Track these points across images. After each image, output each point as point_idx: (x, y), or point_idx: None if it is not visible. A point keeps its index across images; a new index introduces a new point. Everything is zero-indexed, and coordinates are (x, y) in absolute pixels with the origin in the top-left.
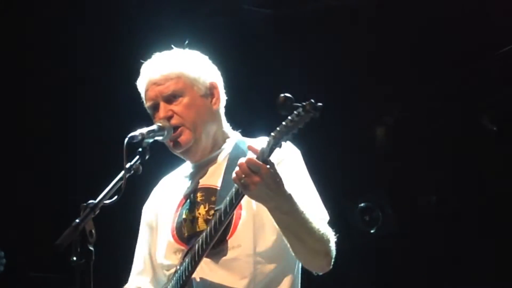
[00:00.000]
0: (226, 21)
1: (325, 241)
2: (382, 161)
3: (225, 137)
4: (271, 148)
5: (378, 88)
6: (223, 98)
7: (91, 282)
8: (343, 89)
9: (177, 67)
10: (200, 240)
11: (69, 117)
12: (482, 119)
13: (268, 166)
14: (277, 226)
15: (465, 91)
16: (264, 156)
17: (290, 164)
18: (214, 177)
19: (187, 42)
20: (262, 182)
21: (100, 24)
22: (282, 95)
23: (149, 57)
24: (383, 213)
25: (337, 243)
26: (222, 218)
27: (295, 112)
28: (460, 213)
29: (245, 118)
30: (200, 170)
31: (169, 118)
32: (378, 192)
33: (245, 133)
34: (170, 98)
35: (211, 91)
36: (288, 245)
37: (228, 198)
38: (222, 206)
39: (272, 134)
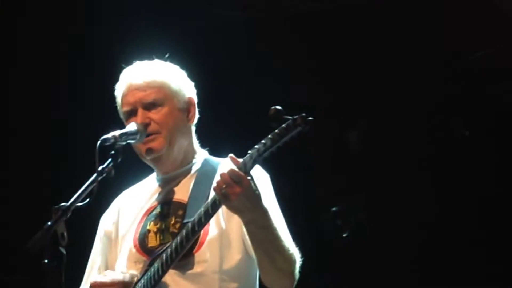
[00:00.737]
0: (200, 26)
1: (292, 262)
2: (355, 165)
3: (194, 153)
4: (254, 161)
5: (353, 92)
6: (196, 115)
7: (62, 285)
8: (318, 92)
9: (160, 77)
10: (169, 250)
11: (41, 118)
12: (454, 124)
13: (249, 178)
14: (244, 245)
15: (438, 96)
16: (246, 168)
17: (264, 184)
18: (181, 192)
19: (167, 55)
20: (243, 193)
21: (75, 28)
22: (273, 107)
23: (120, 62)
24: (356, 217)
25: (309, 247)
26: (196, 229)
27: (283, 125)
28: (434, 216)
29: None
30: (167, 183)
31: (146, 125)
32: (351, 196)
33: (214, 143)
34: (150, 106)
35: (188, 106)
36: (255, 263)
37: (203, 209)
38: (195, 218)
39: (256, 146)
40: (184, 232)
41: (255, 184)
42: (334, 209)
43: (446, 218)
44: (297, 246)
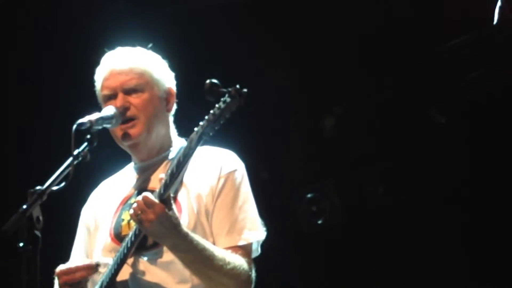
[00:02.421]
0: (175, 11)
1: (233, 275)
2: (330, 152)
3: (170, 142)
4: (168, 184)
5: (328, 79)
6: (174, 105)
7: (37, 268)
8: (293, 79)
9: (143, 63)
10: (130, 234)
11: (17, 104)
12: (430, 111)
13: (163, 205)
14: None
15: (414, 83)
16: (162, 192)
17: (233, 182)
18: (156, 180)
19: (151, 45)
20: (156, 220)
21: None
22: (208, 81)
23: (99, 48)
24: (330, 204)
25: (284, 233)
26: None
27: (222, 99)
28: (406, 204)
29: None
30: (143, 172)
31: (125, 109)
32: (325, 183)
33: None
34: (130, 91)
35: (167, 95)
36: None
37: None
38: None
39: (200, 123)
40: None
41: (172, 210)
42: (309, 195)
43: (418, 205)
44: (270, 232)
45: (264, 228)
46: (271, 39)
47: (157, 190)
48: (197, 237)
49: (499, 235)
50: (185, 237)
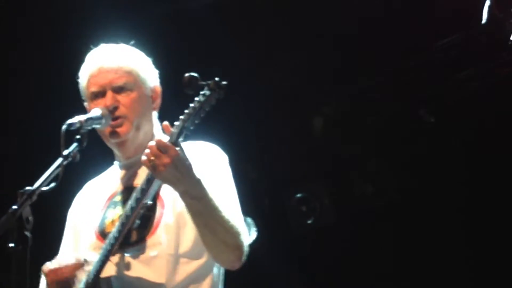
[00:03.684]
0: (166, 10)
1: (234, 233)
2: (320, 152)
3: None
4: (179, 131)
5: (318, 78)
6: (160, 103)
7: (27, 269)
8: (283, 77)
9: (131, 62)
10: (114, 230)
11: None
12: (420, 111)
13: (177, 148)
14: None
15: (403, 82)
16: (173, 138)
17: (216, 163)
18: (141, 177)
19: (133, 42)
20: (171, 163)
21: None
22: (187, 74)
23: (83, 45)
24: (320, 204)
25: (274, 234)
26: (134, 205)
27: (201, 92)
28: (396, 203)
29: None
30: (128, 169)
31: (114, 108)
32: (315, 183)
33: None
34: (119, 90)
35: (153, 94)
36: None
37: (139, 187)
38: (132, 196)
39: (181, 117)
40: (125, 211)
41: (184, 155)
42: (299, 195)
43: (407, 205)
44: (260, 231)
45: (255, 228)
46: (260, 36)
47: (169, 135)
48: (206, 187)
49: (494, 234)
50: (197, 182)
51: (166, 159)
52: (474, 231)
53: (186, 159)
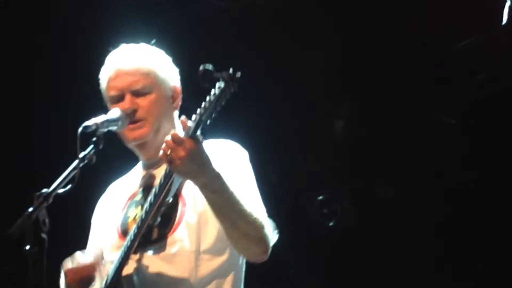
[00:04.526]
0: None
1: (257, 226)
2: (341, 154)
3: None
4: (196, 124)
5: (338, 82)
6: (180, 102)
7: (43, 271)
8: (304, 82)
9: (149, 63)
10: (134, 227)
11: (23, 103)
12: (439, 113)
13: (193, 141)
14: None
15: (424, 83)
16: (190, 132)
17: (237, 159)
18: (160, 176)
19: (154, 41)
20: (187, 156)
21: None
22: (201, 66)
23: (105, 45)
24: (341, 206)
25: (295, 236)
26: (152, 201)
27: (216, 85)
28: (416, 205)
29: None
30: (149, 168)
31: (133, 111)
32: (336, 185)
33: None
34: (138, 92)
35: (173, 93)
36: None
37: (157, 183)
38: (152, 191)
39: (197, 111)
40: (144, 208)
41: (201, 148)
42: (320, 197)
43: (427, 207)
44: (281, 234)
45: (276, 231)
46: (285, 37)
47: (185, 129)
48: (225, 180)
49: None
50: (216, 176)
51: (182, 152)
52: (499, 234)
53: (203, 152)
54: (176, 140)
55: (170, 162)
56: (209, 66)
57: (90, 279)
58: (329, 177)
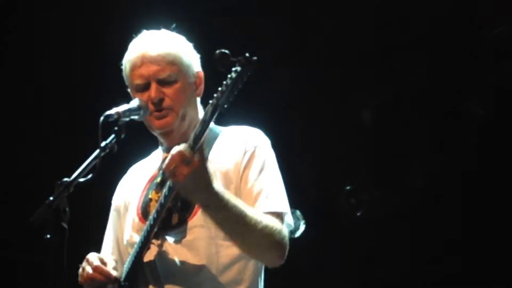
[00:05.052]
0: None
1: (268, 234)
2: (369, 144)
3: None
4: (212, 112)
5: (366, 71)
6: (203, 88)
7: (64, 259)
8: (331, 72)
9: (174, 50)
10: (150, 215)
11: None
12: (469, 103)
13: (198, 161)
14: None
15: (453, 74)
16: (194, 146)
17: (258, 156)
18: None
19: (174, 25)
20: (190, 174)
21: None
22: (218, 51)
23: (128, 32)
24: (369, 196)
25: (322, 226)
26: (172, 185)
27: (232, 69)
28: (444, 197)
29: None
30: (169, 152)
31: (160, 100)
32: (364, 175)
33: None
34: (164, 81)
35: (197, 79)
36: None
37: (167, 185)
38: (163, 192)
39: (215, 95)
40: (163, 192)
41: (205, 167)
42: (348, 188)
43: (455, 198)
44: (308, 224)
45: (303, 221)
46: (308, 25)
47: (188, 141)
48: (228, 194)
49: None
50: (216, 194)
51: (185, 170)
52: None
53: (206, 172)
54: (184, 158)
55: (173, 175)
56: (225, 50)
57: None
58: (357, 167)
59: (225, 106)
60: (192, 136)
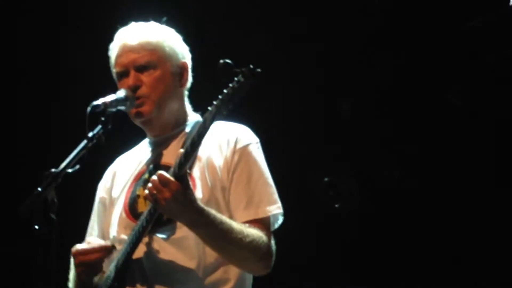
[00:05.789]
0: None
1: (253, 248)
2: (348, 136)
3: (186, 116)
4: (185, 159)
5: (345, 62)
6: (189, 80)
7: (53, 250)
8: (309, 63)
9: (154, 39)
10: (145, 213)
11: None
12: (447, 94)
13: (179, 182)
14: (228, 209)
15: (430, 65)
16: (176, 169)
17: (248, 156)
18: (169, 155)
19: (165, 19)
20: (172, 197)
21: None
22: (221, 60)
23: (114, 23)
24: (347, 188)
25: (301, 218)
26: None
27: (235, 79)
28: (423, 188)
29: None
30: (157, 147)
31: (136, 87)
32: (342, 167)
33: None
34: (142, 68)
35: (181, 70)
36: None
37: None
38: None
39: (214, 102)
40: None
41: (187, 188)
42: (326, 179)
43: (435, 190)
44: (286, 214)
45: (281, 211)
46: (291, 21)
47: (172, 168)
48: (213, 212)
49: None
50: (201, 212)
51: (167, 194)
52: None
53: (188, 192)
54: (162, 181)
55: (155, 201)
56: (229, 60)
57: (98, 263)
58: (335, 158)
59: (224, 113)
60: (187, 144)
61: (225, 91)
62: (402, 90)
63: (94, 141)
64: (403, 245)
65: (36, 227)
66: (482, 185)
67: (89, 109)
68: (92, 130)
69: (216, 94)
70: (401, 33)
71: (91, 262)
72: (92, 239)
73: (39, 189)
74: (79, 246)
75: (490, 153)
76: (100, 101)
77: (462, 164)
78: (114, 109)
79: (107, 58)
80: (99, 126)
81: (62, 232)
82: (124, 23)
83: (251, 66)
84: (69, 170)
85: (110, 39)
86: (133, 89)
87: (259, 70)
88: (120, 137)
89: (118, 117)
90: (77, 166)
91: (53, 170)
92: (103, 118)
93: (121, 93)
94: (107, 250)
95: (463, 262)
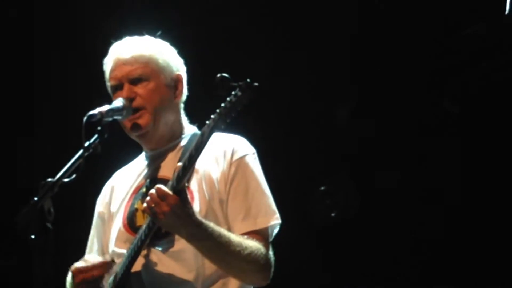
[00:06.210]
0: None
1: (252, 260)
2: (344, 143)
3: (182, 129)
4: (183, 173)
5: (340, 70)
6: (185, 92)
7: (49, 260)
8: (305, 70)
9: (148, 52)
10: (144, 226)
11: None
12: (444, 100)
13: (177, 196)
14: (226, 221)
15: (426, 72)
16: (174, 183)
17: (246, 168)
18: (167, 168)
19: (159, 32)
20: (170, 211)
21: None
22: (219, 75)
23: (109, 37)
24: (344, 197)
25: (298, 227)
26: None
27: (232, 93)
28: (423, 195)
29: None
30: (154, 160)
31: (131, 100)
32: (339, 175)
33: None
34: (136, 81)
35: (175, 83)
36: None
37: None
38: None
39: (212, 116)
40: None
41: (185, 201)
42: (322, 188)
43: (435, 196)
44: (282, 224)
45: (279, 222)
46: (285, 32)
47: (170, 182)
48: (211, 225)
49: None
50: (200, 225)
51: (165, 208)
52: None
53: (186, 206)
54: (160, 195)
55: (154, 215)
56: (226, 74)
57: (98, 280)
58: (331, 167)
59: (222, 127)
60: (185, 158)
61: (222, 105)
62: (400, 97)
63: (90, 150)
64: (403, 245)
65: (32, 236)
66: (482, 185)
67: (85, 118)
68: (88, 139)
69: (214, 106)
70: (398, 41)
71: (93, 279)
72: (90, 257)
73: (36, 198)
74: (78, 265)
75: (489, 153)
76: (96, 110)
77: (462, 164)
78: (110, 119)
79: (102, 70)
80: (95, 136)
81: (58, 242)
82: (119, 37)
83: (249, 80)
84: (66, 180)
85: (105, 53)
86: (128, 101)
87: (256, 84)
88: (117, 148)
89: (114, 127)
90: (74, 176)
91: (49, 179)
92: (99, 128)
93: (118, 103)
94: (107, 266)
95: (463, 262)
